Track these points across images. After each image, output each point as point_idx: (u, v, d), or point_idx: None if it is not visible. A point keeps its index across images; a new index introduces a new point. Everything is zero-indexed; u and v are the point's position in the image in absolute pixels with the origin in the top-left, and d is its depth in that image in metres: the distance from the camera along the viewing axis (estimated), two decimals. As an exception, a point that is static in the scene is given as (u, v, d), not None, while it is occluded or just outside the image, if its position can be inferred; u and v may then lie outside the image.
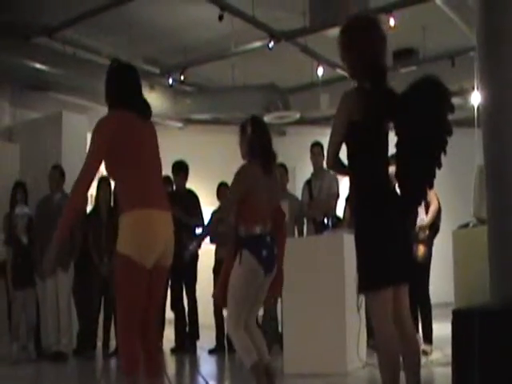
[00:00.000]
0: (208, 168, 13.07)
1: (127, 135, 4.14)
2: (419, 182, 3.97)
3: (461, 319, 3.32)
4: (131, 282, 4.04)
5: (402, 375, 3.84)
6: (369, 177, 3.94)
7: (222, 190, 9.30)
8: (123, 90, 4.31)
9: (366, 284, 3.91)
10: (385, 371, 3.87)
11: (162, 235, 4.11)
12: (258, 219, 5.15)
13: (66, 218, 4.10)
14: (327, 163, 4.11)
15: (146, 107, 4.36)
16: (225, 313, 8.64)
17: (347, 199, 8.83)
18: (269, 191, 5.27)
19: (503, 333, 3.15)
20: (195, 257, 9.28)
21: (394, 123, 4.01)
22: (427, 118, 3.90)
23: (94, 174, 4.12)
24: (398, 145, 3.95)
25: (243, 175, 5.19)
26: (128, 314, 4.09)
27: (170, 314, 9.45)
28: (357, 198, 3.99)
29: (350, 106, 3.99)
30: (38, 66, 10.86)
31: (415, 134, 3.90)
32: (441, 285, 9.29)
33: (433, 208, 7.64)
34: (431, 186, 4.00)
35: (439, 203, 7.77)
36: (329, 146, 4.07)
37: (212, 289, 8.95)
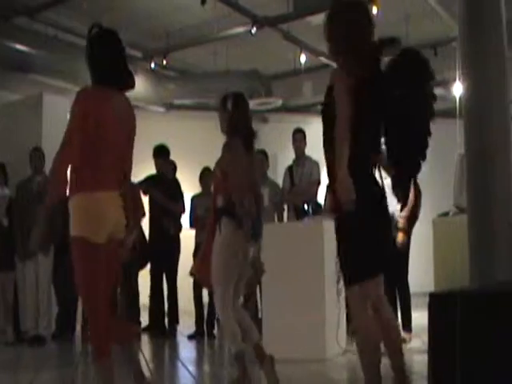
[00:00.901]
0: (190, 153, 13.02)
1: (96, 114, 4.08)
2: (413, 154, 3.98)
3: (441, 302, 3.33)
4: (87, 259, 3.99)
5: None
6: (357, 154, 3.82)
7: (204, 174, 9.30)
8: (108, 60, 4.28)
9: (351, 275, 3.90)
10: (365, 359, 3.92)
11: (108, 212, 4.05)
12: (236, 195, 5.09)
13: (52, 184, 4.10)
14: (344, 137, 3.79)
15: (130, 80, 4.29)
16: (205, 298, 8.70)
17: (328, 186, 8.85)
18: (248, 166, 5.27)
19: (485, 316, 3.17)
20: (177, 241, 9.32)
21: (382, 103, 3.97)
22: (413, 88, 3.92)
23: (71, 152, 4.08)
24: (387, 121, 3.98)
25: (233, 154, 5.16)
26: (92, 293, 4.03)
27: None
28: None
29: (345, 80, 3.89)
30: (18, 47, 10.76)
31: (403, 108, 3.91)
32: (421, 274, 9.37)
33: (411, 198, 7.58)
34: (424, 158, 4.00)
35: (419, 191, 7.78)
36: (341, 121, 3.83)
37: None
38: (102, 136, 4.08)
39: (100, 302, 4.03)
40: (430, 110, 4.00)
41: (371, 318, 3.90)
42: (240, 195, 5.06)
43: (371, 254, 3.85)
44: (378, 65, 4.05)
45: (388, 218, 4.18)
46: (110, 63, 4.26)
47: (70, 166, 4.07)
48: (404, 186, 4.15)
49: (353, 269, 3.89)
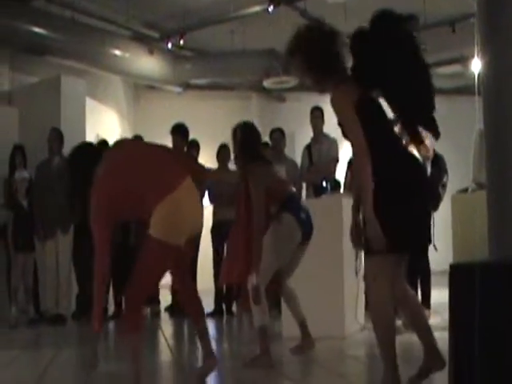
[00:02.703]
0: (207, 132, 13.03)
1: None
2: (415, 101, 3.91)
3: (460, 274, 3.33)
4: (161, 259, 4.26)
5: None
6: (384, 150, 3.84)
7: (221, 152, 9.32)
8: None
9: (379, 246, 3.74)
10: (379, 334, 3.89)
11: (189, 215, 4.32)
12: (283, 187, 5.80)
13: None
14: (364, 153, 3.79)
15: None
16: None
17: (349, 163, 8.86)
18: (276, 175, 5.89)
19: (506, 288, 3.17)
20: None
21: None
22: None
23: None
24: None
25: (257, 179, 5.53)
26: (147, 282, 4.37)
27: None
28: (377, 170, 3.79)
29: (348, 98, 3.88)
30: (36, 29, 10.83)
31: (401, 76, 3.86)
32: (440, 252, 9.36)
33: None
34: (433, 108, 3.95)
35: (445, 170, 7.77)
36: (356, 137, 3.82)
37: (211, 249, 9.12)
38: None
39: (148, 290, 4.50)
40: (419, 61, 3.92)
41: (387, 292, 3.84)
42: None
43: (403, 228, 3.77)
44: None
45: (426, 200, 4.15)
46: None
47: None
48: (412, 130, 4.03)
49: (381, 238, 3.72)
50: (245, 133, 5.84)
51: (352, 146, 3.85)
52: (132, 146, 5.01)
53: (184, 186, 4.30)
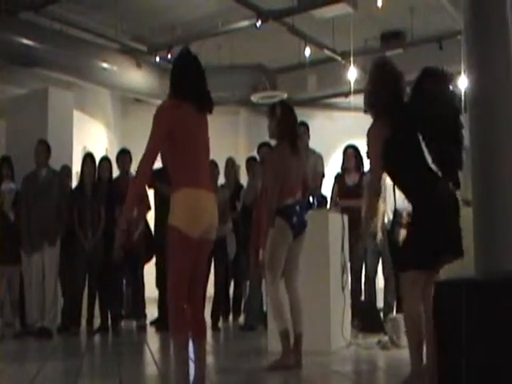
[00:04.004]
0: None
1: (182, 124, 4.47)
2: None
3: (447, 291, 3.37)
4: (179, 249, 4.36)
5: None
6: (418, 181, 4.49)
7: (210, 167, 9.33)
8: (186, 79, 4.67)
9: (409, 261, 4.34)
10: (409, 339, 4.43)
11: (208, 210, 4.46)
12: (289, 193, 5.95)
13: (129, 197, 4.42)
14: (376, 188, 4.78)
15: (206, 100, 4.73)
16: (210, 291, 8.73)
17: (336, 177, 8.91)
18: (297, 168, 6.08)
19: (490, 304, 3.21)
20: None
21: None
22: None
23: (155, 157, 4.42)
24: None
25: (276, 162, 6.01)
26: (177, 279, 4.40)
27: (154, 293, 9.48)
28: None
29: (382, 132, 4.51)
30: (24, 41, 10.79)
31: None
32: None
33: None
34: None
35: None
36: (373, 172, 4.77)
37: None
38: (192, 141, 4.52)
39: (184, 289, 4.41)
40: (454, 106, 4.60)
41: (418, 303, 4.27)
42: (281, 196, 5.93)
43: (431, 247, 4.26)
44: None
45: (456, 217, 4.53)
46: (188, 84, 4.68)
47: (170, 166, 4.51)
48: (454, 178, 4.58)
49: (411, 256, 4.33)
50: (284, 111, 6.09)
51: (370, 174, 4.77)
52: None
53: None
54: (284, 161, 6.00)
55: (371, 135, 4.59)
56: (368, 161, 4.82)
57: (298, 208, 6.00)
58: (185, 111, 4.53)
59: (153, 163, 4.40)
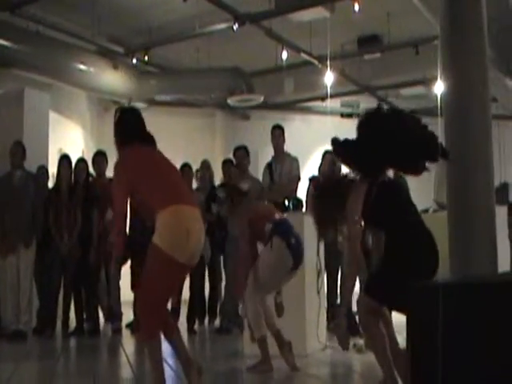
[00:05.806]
0: (171, 149, 13.01)
1: (143, 161, 4.71)
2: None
3: (423, 293, 3.39)
4: (164, 270, 4.42)
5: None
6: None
7: (185, 170, 9.29)
8: (132, 130, 4.92)
9: (378, 291, 4.36)
10: (379, 359, 4.45)
11: (196, 233, 4.48)
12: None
13: (116, 241, 4.62)
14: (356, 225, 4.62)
15: (152, 139, 4.97)
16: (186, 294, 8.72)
17: (311, 180, 8.90)
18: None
19: (468, 306, 3.22)
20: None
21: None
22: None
23: (125, 201, 4.59)
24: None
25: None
26: (160, 297, 4.51)
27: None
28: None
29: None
30: (0, 42, 10.72)
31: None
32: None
33: None
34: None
35: None
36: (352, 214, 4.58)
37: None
38: (161, 166, 4.78)
39: (165, 304, 4.66)
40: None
41: (378, 326, 4.42)
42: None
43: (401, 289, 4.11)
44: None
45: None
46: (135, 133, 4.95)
47: (148, 197, 4.61)
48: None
49: (382, 289, 4.33)
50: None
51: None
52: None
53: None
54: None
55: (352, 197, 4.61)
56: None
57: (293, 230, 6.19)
58: (139, 149, 4.77)
59: (126, 201, 4.59)
